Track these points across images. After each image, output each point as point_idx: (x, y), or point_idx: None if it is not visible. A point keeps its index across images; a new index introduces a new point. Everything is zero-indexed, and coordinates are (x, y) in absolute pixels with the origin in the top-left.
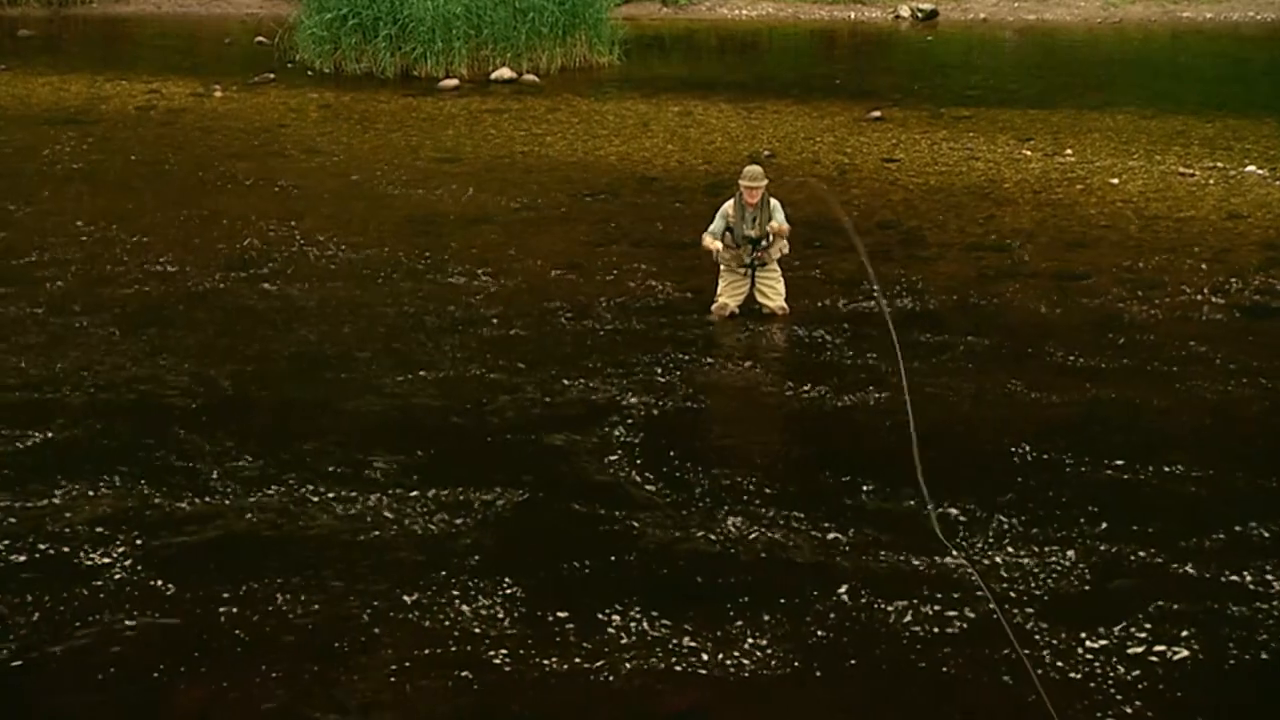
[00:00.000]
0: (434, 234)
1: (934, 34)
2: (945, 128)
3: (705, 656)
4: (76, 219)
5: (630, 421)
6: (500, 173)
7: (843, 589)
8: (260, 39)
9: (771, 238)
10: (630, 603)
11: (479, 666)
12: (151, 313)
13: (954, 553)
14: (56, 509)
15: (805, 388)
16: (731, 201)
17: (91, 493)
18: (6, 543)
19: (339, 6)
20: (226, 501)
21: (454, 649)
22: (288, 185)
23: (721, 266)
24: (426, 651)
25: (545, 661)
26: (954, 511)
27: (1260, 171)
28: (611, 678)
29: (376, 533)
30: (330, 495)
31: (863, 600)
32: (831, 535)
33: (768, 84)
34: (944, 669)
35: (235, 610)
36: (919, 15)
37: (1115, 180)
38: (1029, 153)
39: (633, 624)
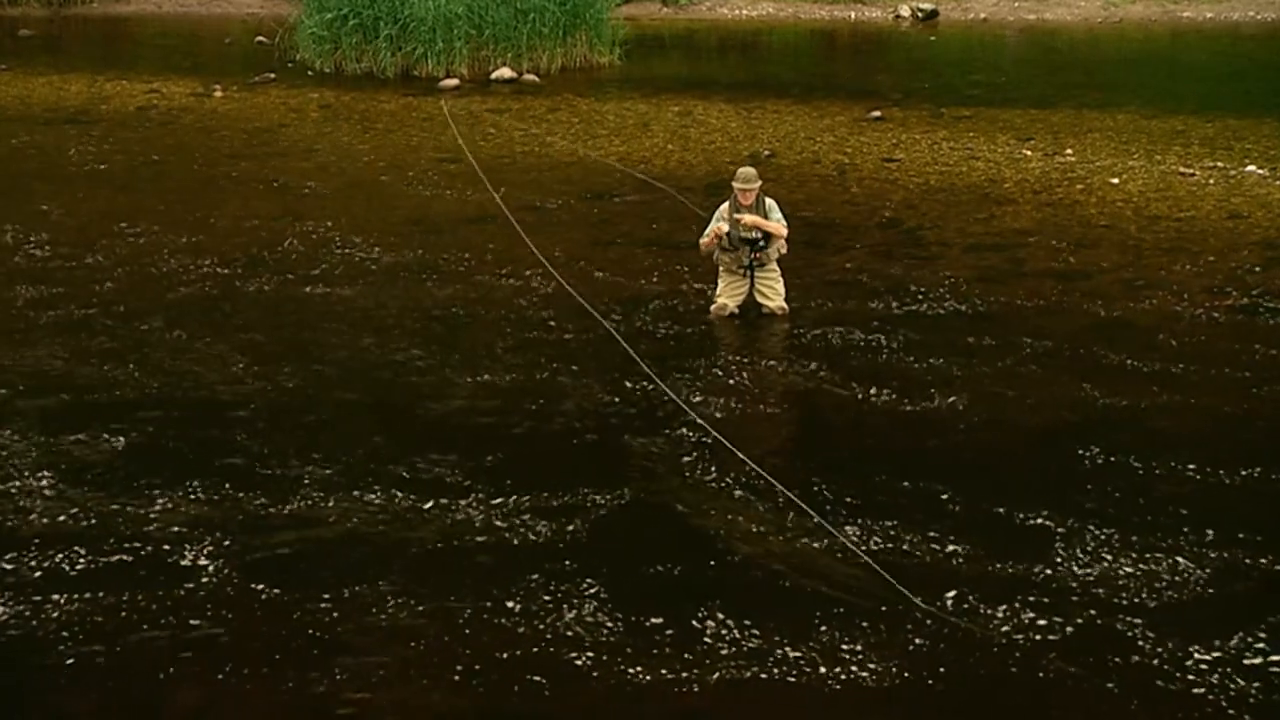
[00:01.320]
0: (435, 234)
1: (934, 34)
2: (945, 128)
3: (804, 666)
4: (84, 219)
5: (691, 422)
6: (500, 172)
7: (936, 596)
8: (260, 39)
9: (769, 238)
10: (723, 609)
11: (572, 674)
12: (198, 314)
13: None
14: (139, 512)
15: (861, 390)
16: (726, 204)
17: (175, 496)
18: (100, 544)
19: (339, 6)
20: (308, 505)
21: (547, 654)
22: (287, 185)
23: (720, 267)
24: (516, 656)
25: (642, 670)
26: (1029, 516)
27: (1260, 171)
28: (710, 688)
29: (464, 539)
30: (413, 499)
31: (961, 607)
32: (914, 540)
33: (768, 84)
34: (1043, 676)
35: (331, 613)
36: (919, 15)
37: (1115, 180)
38: (1029, 152)
39: (728, 632)
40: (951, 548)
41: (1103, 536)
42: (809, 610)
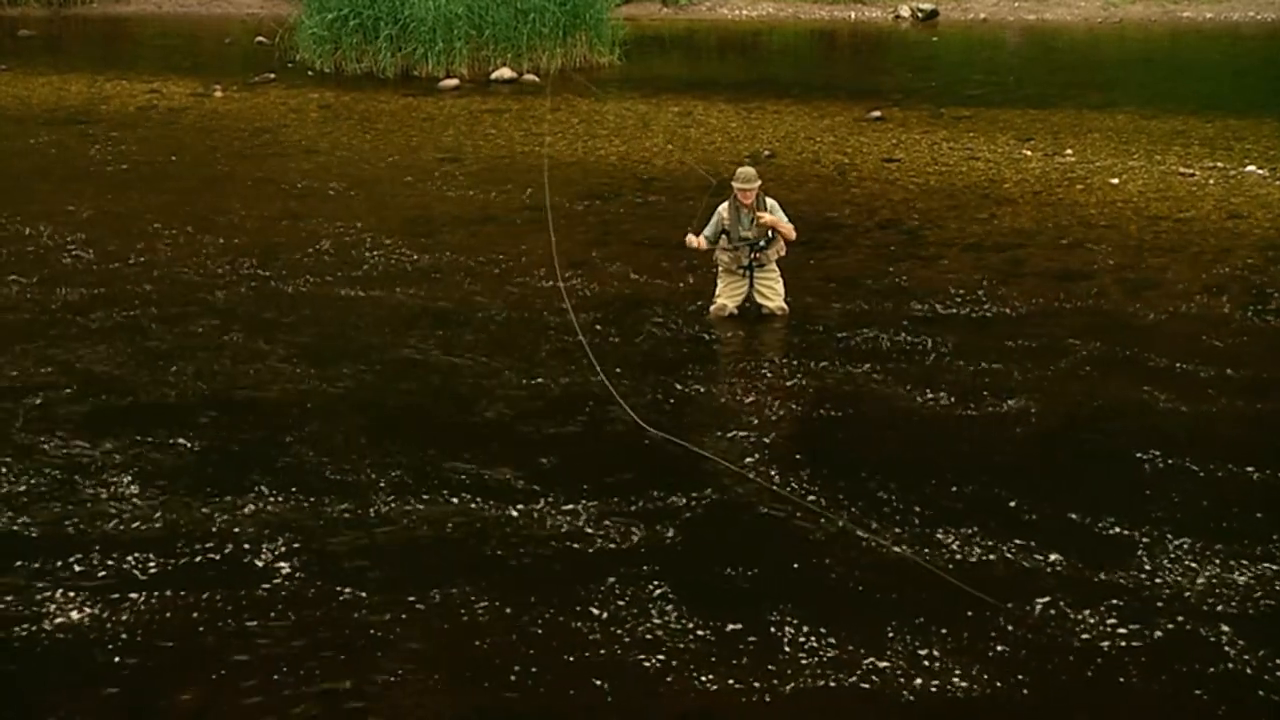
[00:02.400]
0: (459, 234)
1: (936, 34)
2: (945, 128)
3: (884, 675)
4: (96, 219)
5: (752, 425)
6: (500, 173)
7: (1014, 602)
8: (260, 39)
9: (770, 237)
10: (798, 617)
11: (648, 680)
12: (243, 315)
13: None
14: (207, 515)
15: (917, 392)
16: (726, 204)
17: (241, 499)
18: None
19: (340, 6)
20: (373, 507)
21: (621, 660)
22: (288, 185)
23: (720, 268)
24: (588, 660)
25: (720, 678)
26: (1091, 519)
27: (1260, 171)
28: (788, 697)
29: (531, 542)
30: (476, 502)
31: (1048, 613)
32: (982, 545)
33: (768, 84)
34: (1125, 683)
35: (400, 615)
36: (919, 15)
37: (1115, 180)
38: (1029, 153)
39: (805, 639)
40: (1021, 553)
41: (1184, 543)
42: (885, 618)
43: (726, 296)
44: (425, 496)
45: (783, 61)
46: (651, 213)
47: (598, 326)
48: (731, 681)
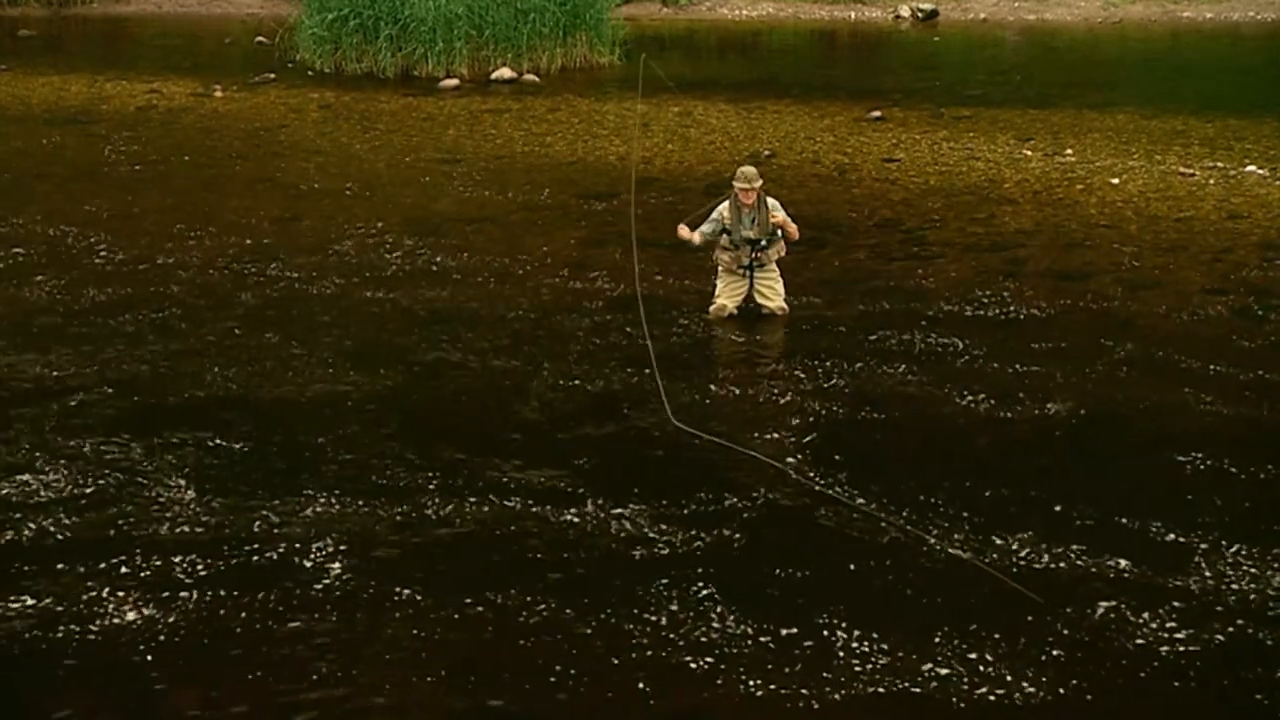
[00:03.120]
0: (453, 234)
1: (936, 34)
2: (945, 128)
3: (940, 680)
4: (103, 220)
5: (789, 425)
6: (500, 173)
7: (1079, 605)
8: (260, 39)
9: (772, 237)
10: (850, 620)
11: (700, 683)
12: (274, 316)
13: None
14: (250, 517)
15: (948, 393)
16: (726, 204)
17: (288, 501)
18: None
19: (340, 7)
20: (420, 510)
21: (673, 663)
22: (294, 185)
23: (720, 268)
24: (638, 663)
25: (774, 682)
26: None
27: (1260, 171)
28: (842, 702)
29: (578, 545)
30: (521, 504)
31: (1107, 617)
32: (1033, 548)
33: (768, 84)
34: (1180, 687)
35: (452, 617)
36: (919, 15)
37: (1115, 180)
38: (1029, 152)
39: (865, 643)
40: (1076, 555)
41: (1238, 547)
42: (939, 621)
43: (726, 297)
44: (471, 499)
45: (783, 61)
46: (651, 213)
47: (599, 327)
48: (782, 686)
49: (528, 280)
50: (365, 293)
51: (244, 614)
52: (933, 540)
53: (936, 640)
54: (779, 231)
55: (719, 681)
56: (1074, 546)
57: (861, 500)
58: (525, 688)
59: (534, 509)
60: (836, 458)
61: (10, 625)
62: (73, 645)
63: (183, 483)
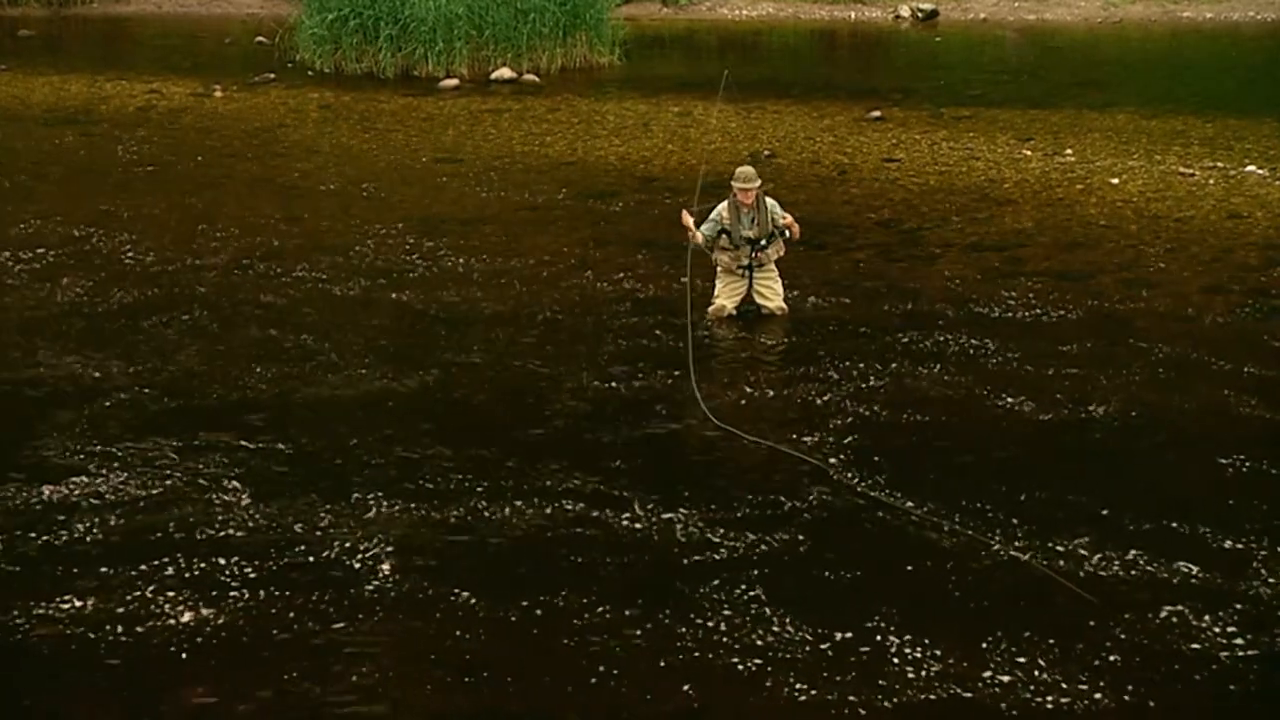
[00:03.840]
0: (471, 235)
1: (937, 34)
2: (945, 128)
3: (1007, 687)
4: (116, 220)
5: (828, 427)
6: (500, 173)
7: (1140, 610)
8: (260, 39)
9: (771, 236)
10: (911, 624)
11: (753, 689)
12: (306, 317)
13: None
14: (303, 519)
15: (1006, 397)
16: (725, 204)
17: (340, 503)
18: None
19: (339, 7)
20: (473, 513)
21: (728, 667)
22: (290, 186)
23: (719, 268)
24: (694, 667)
25: (828, 687)
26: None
27: (1260, 171)
28: (901, 711)
29: (632, 549)
30: (574, 508)
31: (1169, 621)
32: (1091, 553)
33: (768, 84)
34: (1253, 693)
35: (510, 619)
36: (919, 15)
37: (1115, 180)
38: (1029, 153)
39: (918, 648)
40: (1128, 558)
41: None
42: (994, 626)
43: (725, 297)
44: (517, 502)
45: (783, 61)
46: (651, 213)
47: (625, 329)
48: (833, 692)
49: (549, 281)
50: (390, 294)
51: (293, 615)
52: (986, 543)
53: (991, 645)
54: (778, 231)
55: (768, 685)
56: (1128, 551)
57: (910, 503)
58: (568, 690)
59: (581, 511)
60: (877, 458)
61: (58, 626)
62: (120, 646)
63: (228, 485)
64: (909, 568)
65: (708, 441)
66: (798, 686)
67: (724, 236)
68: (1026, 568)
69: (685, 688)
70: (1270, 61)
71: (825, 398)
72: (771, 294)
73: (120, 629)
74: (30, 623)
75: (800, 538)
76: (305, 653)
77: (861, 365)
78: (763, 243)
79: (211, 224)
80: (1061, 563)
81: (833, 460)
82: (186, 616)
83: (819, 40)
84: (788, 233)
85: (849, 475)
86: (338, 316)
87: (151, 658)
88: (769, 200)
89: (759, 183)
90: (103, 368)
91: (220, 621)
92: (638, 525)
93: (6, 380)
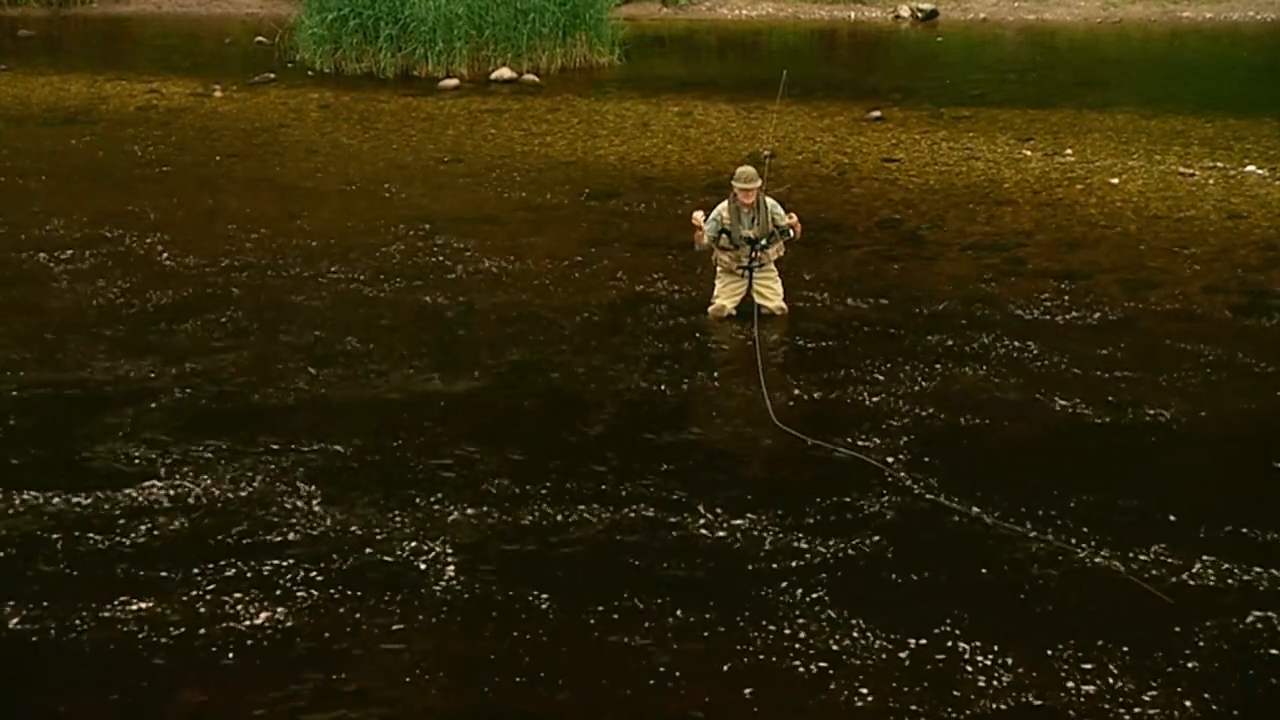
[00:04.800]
0: (476, 235)
1: (936, 34)
2: (945, 127)
3: (1087, 698)
4: (115, 220)
5: (883, 429)
6: (500, 173)
7: (1221, 618)
8: (260, 39)
9: (771, 236)
10: (986, 631)
11: (829, 696)
12: (347, 318)
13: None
14: (369, 521)
15: (1060, 400)
16: (725, 204)
17: (401, 506)
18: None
19: (339, 6)
20: (536, 517)
21: (798, 674)
22: (295, 186)
23: (719, 268)
24: (766, 673)
25: (900, 696)
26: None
27: (1260, 171)
28: None
29: (702, 555)
30: (642, 511)
31: (1251, 630)
32: (1175, 558)
33: (768, 84)
34: None
35: (576, 622)
36: (919, 15)
37: (1115, 180)
38: (1029, 152)
39: (995, 659)
40: (1207, 563)
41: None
42: (1073, 633)
43: (725, 297)
44: (580, 506)
45: (783, 61)
46: (651, 213)
47: (668, 330)
48: (904, 701)
49: (580, 283)
50: (424, 297)
51: (360, 617)
52: (1059, 546)
53: (1067, 653)
54: (778, 231)
55: (835, 690)
56: (1205, 555)
57: (976, 508)
58: (627, 693)
59: (645, 515)
60: (937, 460)
61: (126, 627)
62: (190, 645)
63: (287, 487)
64: (982, 571)
65: (767, 444)
66: (867, 693)
67: (724, 236)
68: (1100, 572)
69: (747, 691)
70: (1270, 61)
71: (875, 400)
72: (771, 294)
73: (185, 630)
74: (97, 624)
75: (869, 541)
76: (375, 655)
77: (907, 367)
78: (763, 243)
79: (226, 224)
80: (1135, 567)
81: (891, 461)
82: (261, 618)
83: (819, 40)
84: (791, 232)
85: (914, 478)
86: (374, 318)
87: (213, 655)
88: (769, 200)
89: (759, 183)
90: (151, 369)
91: (289, 625)
92: (704, 529)
93: (56, 382)
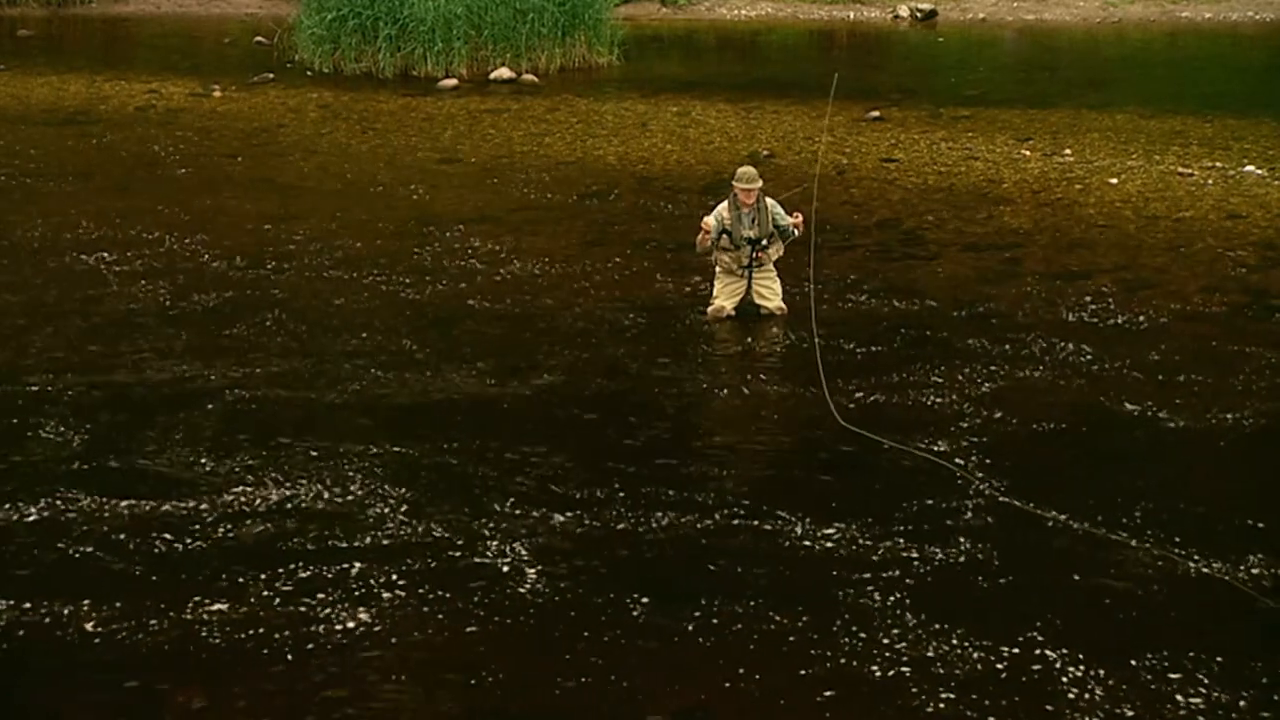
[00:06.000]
0: (496, 237)
1: (938, 34)
2: (944, 128)
3: (1190, 715)
4: (123, 219)
5: (948, 431)
6: (500, 173)
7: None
8: (259, 39)
9: (771, 236)
10: (1081, 643)
11: (912, 706)
12: (384, 320)
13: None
14: (447, 524)
15: (1131, 404)
16: (725, 205)
17: (473, 509)
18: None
19: (339, 6)
20: (613, 521)
21: (867, 677)
22: (289, 186)
23: (718, 268)
24: (849, 679)
25: (1002, 710)
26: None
27: (1259, 171)
28: None
29: (770, 556)
30: (717, 516)
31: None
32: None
33: (767, 84)
34: None
35: (635, 622)
36: (918, 15)
37: (1114, 180)
38: (1028, 153)
39: (1091, 670)
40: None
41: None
42: (1168, 644)
43: (725, 297)
44: (655, 511)
45: (782, 61)
46: (650, 213)
47: (714, 332)
48: (994, 714)
49: (622, 285)
50: (468, 301)
51: (443, 618)
52: (1154, 553)
53: (1165, 665)
54: (778, 231)
55: (917, 696)
56: None
57: (1054, 510)
58: (701, 697)
59: (726, 518)
60: (1012, 463)
61: (208, 629)
62: (277, 648)
63: (358, 490)
64: (1074, 578)
65: (838, 446)
66: (955, 701)
67: (724, 237)
68: (1194, 580)
69: (829, 693)
70: (1269, 61)
71: (938, 400)
72: (771, 294)
73: (263, 632)
74: (176, 627)
75: (956, 547)
76: (454, 656)
77: (979, 366)
78: (763, 243)
79: (231, 223)
80: (1240, 575)
81: (963, 463)
82: (350, 623)
83: (818, 40)
84: (793, 231)
85: (993, 482)
86: (420, 319)
87: (295, 659)
88: (769, 200)
89: (760, 183)
90: (205, 373)
91: (378, 628)
92: (786, 532)
93: (112, 384)
